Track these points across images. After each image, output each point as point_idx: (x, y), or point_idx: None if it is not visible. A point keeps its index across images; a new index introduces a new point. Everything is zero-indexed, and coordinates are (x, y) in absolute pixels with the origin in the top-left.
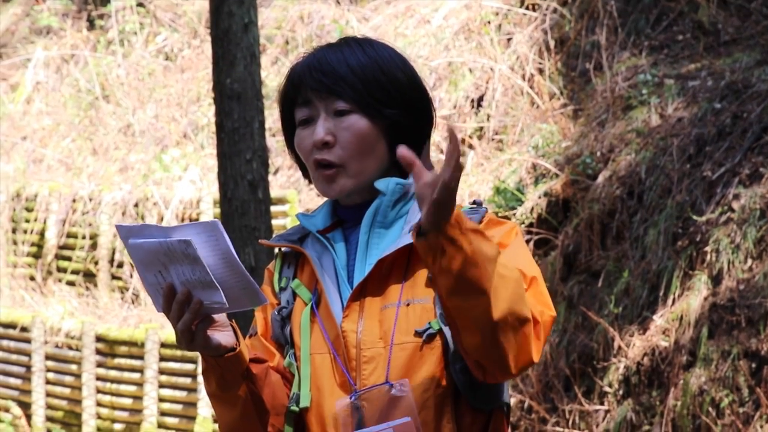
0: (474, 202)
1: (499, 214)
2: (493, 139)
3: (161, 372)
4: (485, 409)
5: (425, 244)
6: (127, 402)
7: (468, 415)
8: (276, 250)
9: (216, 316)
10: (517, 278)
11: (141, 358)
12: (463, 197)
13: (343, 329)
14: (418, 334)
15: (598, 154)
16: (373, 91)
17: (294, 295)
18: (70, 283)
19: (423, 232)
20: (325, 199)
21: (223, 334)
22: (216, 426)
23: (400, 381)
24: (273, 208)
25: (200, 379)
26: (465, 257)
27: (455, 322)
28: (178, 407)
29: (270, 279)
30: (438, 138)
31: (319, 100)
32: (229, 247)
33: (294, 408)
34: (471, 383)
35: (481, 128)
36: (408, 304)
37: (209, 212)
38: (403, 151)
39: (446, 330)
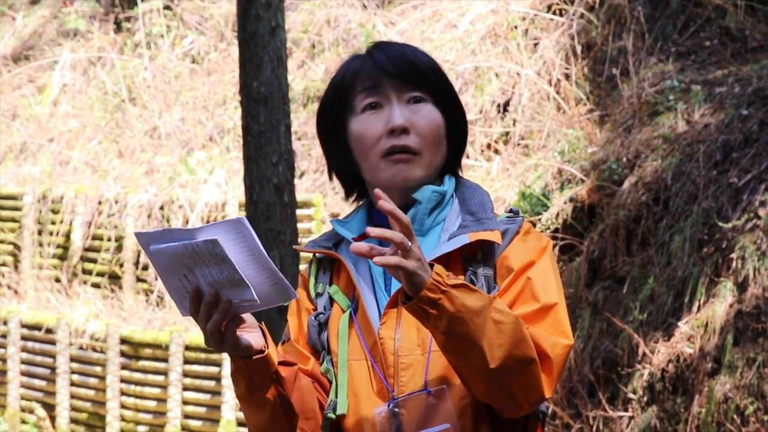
0: (510, 211)
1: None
2: (518, 144)
3: (185, 375)
4: (521, 417)
5: (410, 308)
6: (151, 404)
7: (505, 423)
8: (311, 255)
9: (245, 317)
10: (514, 322)
11: (165, 360)
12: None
13: (380, 336)
14: None
15: (624, 159)
16: (442, 86)
17: (331, 301)
18: (95, 285)
19: (407, 297)
20: (353, 205)
21: (252, 335)
22: (240, 429)
23: (439, 387)
24: (298, 212)
25: (225, 382)
26: (449, 317)
27: (459, 373)
28: (201, 410)
29: (305, 284)
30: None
31: (391, 86)
32: (257, 244)
33: (331, 415)
34: None
35: (507, 133)
36: None
37: (234, 215)
38: (383, 204)
39: None
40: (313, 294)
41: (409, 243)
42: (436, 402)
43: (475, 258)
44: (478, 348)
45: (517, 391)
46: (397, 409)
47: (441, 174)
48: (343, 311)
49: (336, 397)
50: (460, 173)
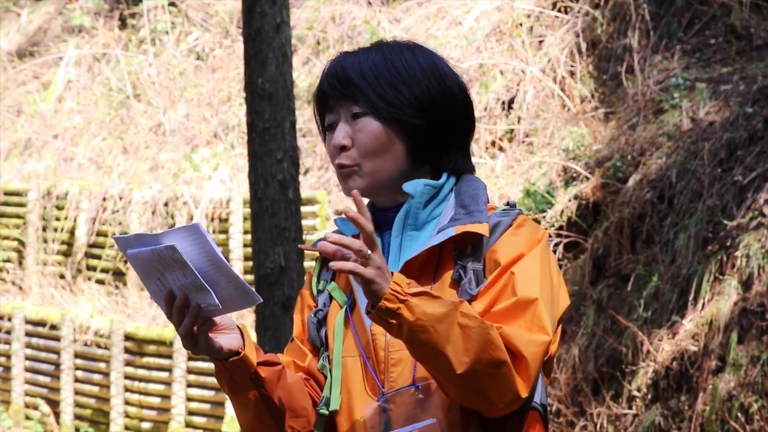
0: (507, 204)
1: (530, 217)
2: (523, 142)
3: (189, 371)
4: (515, 412)
5: (372, 317)
6: (155, 401)
7: (498, 418)
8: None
9: (219, 319)
10: (480, 325)
11: (169, 357)
12: (493, 200)
13: (372, 332)
14: None
15: (629, 157)
16: (384, 94)
17: (330, 297)
18: (100, 282)
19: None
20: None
21: (227, 337)
22: None
23: (426, 382)
24: (303, 209)
25: None
26: (409, 326)
27: (432, 376)
28: (206, 406)
29: (309, 281)
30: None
31: (338, 105)
32: (214, 248)
33: (324, 411)
34: None
35: (512, 130)
36: None
37: (239, 212)
38: (348, 211)
39: None
40: (315, 291)
41: (369, 251)
42: (424, 397)
43: (465, 251)
44: (442, 354)
45: (489, 393)
46: (386, 405)
47: (437, 170)
48: (341, 308)
49: (329, 393)
50: (471, 172)
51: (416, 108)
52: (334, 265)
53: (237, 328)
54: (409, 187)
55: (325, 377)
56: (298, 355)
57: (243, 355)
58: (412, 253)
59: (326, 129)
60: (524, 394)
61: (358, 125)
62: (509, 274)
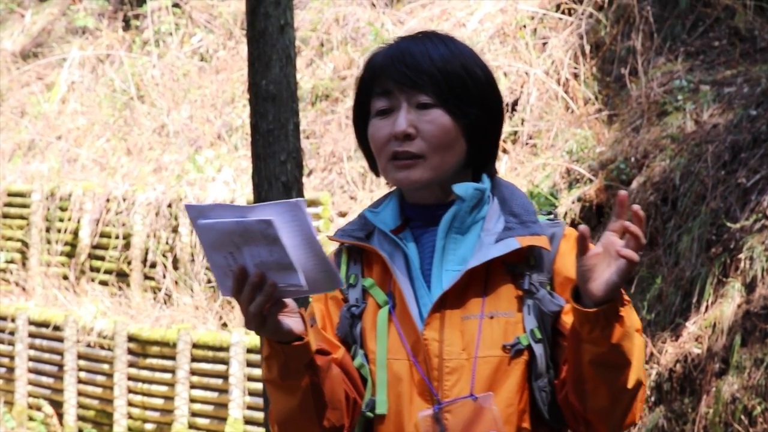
0: (549, 213)
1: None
2: (527, 144)
3: (193, 372)
4: (561, 426)
5: (590, 314)
6: (159, 402)
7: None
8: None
9: (287, 302)
10: (643, 343)
11: (173, 358)
12: None
13: (424, 337)
14: (505, 348)
15: (633, 159)
16: (455, 88)
17: (363, 293)
18: (103, 283)
19: (593, 302)
20: (361, 204)
21: (293, 320)
22: (247, 427)
23: (485, 394)
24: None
25: (232, 380)
26: (624, 330)
27: (584, 386)
28: (209, 408)
29: None
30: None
31: (400, 91)
32: (312, 229)
33: (369, 414)
34: (550, 401)
35: (516, 132)
36: (492, 317)
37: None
38: (585, 230)
39: (536, 346)
40: (344, 284)
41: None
42: (482, 409)
43: (526, 263)
44: (629, 365)
45: (626, 414)
46: (441, 414)
47: (476, 172)
48: (379, 306)
49: (373, 395)
50: (495, 172)
51: (480, 107)
52: (628, 253)
53: (299, 312)
54: (460, 189)
55: (363, 377)
56: (330, 346)
57: (307, 340)
58: (459, 257)
59: (376, 113)
60: (637, 420)
61: (426, 116)
62: None
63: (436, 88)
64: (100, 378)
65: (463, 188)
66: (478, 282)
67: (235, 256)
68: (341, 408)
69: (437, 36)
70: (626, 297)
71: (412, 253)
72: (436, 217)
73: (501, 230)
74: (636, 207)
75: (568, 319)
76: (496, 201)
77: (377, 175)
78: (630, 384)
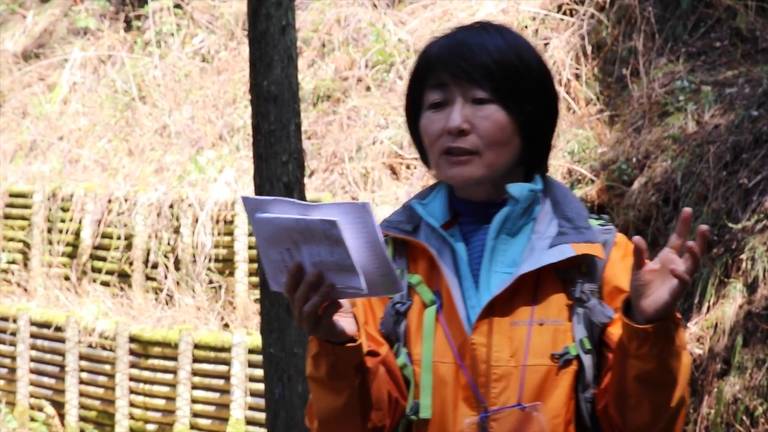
0: (600, 217)
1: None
2: None
3: (194, 373)
4: None
5: (640, 331)
6: (160, 403)
7: None
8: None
9: (342, 302)
10: (689, 362)
11: (174, 359)
12: None
13: (472, 341)
14: (554, 357)
15: (634, 160)
16: (512, 83)
17: (409, 290)
18: (105, 284)
19: (645, 318)
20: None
21: (346, 321)
22: (248, 428)
23: (533, 404)
24: None
25: (234, 380)
26: (673, 348)
27: (627, 401)
28: (210, 409)
29: None
30: None
31: (455, 85)
32: (377, 232)
33: (413, 417)
34: (592, 411)
35: None
36: (541, 324)
37: (243, 215)
38: (640, 242)
39: (585, 357)
40: None
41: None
42: (530, 418)
43: (578, 270)
44: (675, 384)
45: (666, 431)
46: (487, 422)
47: (528, 170)
48: (425, 305)
49: (417, 398)
50: (546, 170)
51: (536, 103)
52: (686, 277)
53: (352, 313)
54: (515, 190)
55: (405, 378)
56: (373, 342)
57: (360, 342)
58: (509, 259)
59: (430, 106)
60: None
61: (482, 111)
62: None
63: (493, 83)
64: (101, 379)
65: (517, 189)
66: (528, 287)
67: (293, 253)
68: (384, 408)
69: (494, 27)
70: (678, 316)
71: (462, 251)
72: (488, 215)
73: (554, 235)
74: (704, 227)
75: (614, 331)
76: (548, 203)
77: (428, 167)
78: (674, 402)
